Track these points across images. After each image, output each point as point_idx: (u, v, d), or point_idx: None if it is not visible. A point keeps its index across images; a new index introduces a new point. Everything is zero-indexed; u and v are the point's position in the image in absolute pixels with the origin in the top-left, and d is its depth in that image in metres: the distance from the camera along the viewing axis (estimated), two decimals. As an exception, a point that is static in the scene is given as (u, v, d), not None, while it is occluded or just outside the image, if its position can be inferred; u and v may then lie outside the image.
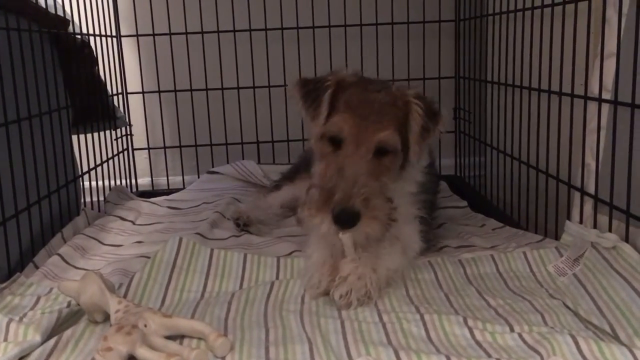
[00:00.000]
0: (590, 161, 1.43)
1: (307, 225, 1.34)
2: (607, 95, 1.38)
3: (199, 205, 2.18)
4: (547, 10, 1.64)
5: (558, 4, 1.58)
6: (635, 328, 1.07)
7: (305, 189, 1.34)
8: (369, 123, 1.30)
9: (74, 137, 2.02)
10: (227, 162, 2.51)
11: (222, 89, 2.50)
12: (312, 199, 1.27)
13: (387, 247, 1.37)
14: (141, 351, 1.01)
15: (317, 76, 1.43)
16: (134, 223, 2.01)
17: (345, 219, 1.22)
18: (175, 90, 2.49)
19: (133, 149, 2.57)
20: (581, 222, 1.46)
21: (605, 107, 1.39)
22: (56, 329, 1.15)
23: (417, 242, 1.48)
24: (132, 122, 2.55)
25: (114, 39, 2.46)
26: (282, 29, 2.43)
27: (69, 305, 1.24)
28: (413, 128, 1.33)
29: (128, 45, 2.53)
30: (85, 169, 2.05)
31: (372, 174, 1.29)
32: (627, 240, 1.30)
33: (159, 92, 2.51)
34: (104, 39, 2.31)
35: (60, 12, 1.91)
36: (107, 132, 2.27)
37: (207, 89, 2.49)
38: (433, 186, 1.70)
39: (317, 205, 1.25)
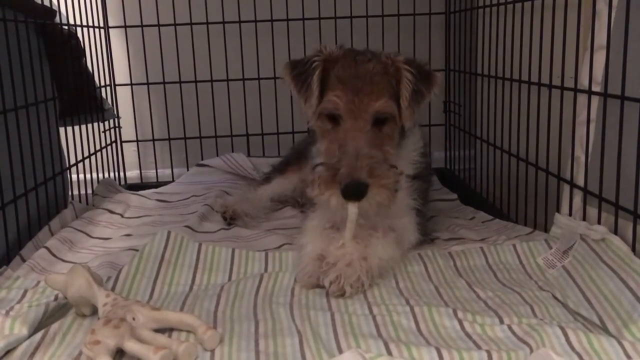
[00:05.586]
0: (580, 154, 1.43)
1: (318, 203, 1.37)
2: (596, 88, 1.38)
3: (188, 198, 2.17)
4: (538, 3, 1.64)
5: (548, -3, 1.58)
6: (624, 319, 1.07)
7: (310, 169, 1.38)
8: (363, 95, 1.32)
9: (62, 129, 2.00)
10: (217, 155, 2.50)
11: (212, 81, 2.48)
12: (319, 177, 1.29)
13: (380, 237, 1.38)
14: (129, 344, 1.00)
15: (305, 57, 1.44)
16: (122, 216, 2.00)
17: (354, 191, 1.25)
18: (164, 82, 2.47)
19: (121, 142, 2.54)
20: (570, 214, 1.47)
21: (595, 100, 1.39)
22: (43, 323, 1.14)
23: (413, 234, 1.49)
24: (120, 114, 2.52)
25: (102, 30, 2.43)
26: (272, 20, 2.42)
27: (56, 298, 1.23)
28: (404, 93, 1.35)
29: (116, 36, 2.51)
30: (73, 161, 2.03)
31: (374, 144, 1.32)
32: (616, 232, 1.30)
33: (148, 84, 2.49)
34: (91, 30, 2.29)
35: (46, 2, 1.89)
36: (95, 124, 2.25)
37: (196, 81, 2.47)
38: (428, 176, 1.71)
39: (325, 182, 1.28)
